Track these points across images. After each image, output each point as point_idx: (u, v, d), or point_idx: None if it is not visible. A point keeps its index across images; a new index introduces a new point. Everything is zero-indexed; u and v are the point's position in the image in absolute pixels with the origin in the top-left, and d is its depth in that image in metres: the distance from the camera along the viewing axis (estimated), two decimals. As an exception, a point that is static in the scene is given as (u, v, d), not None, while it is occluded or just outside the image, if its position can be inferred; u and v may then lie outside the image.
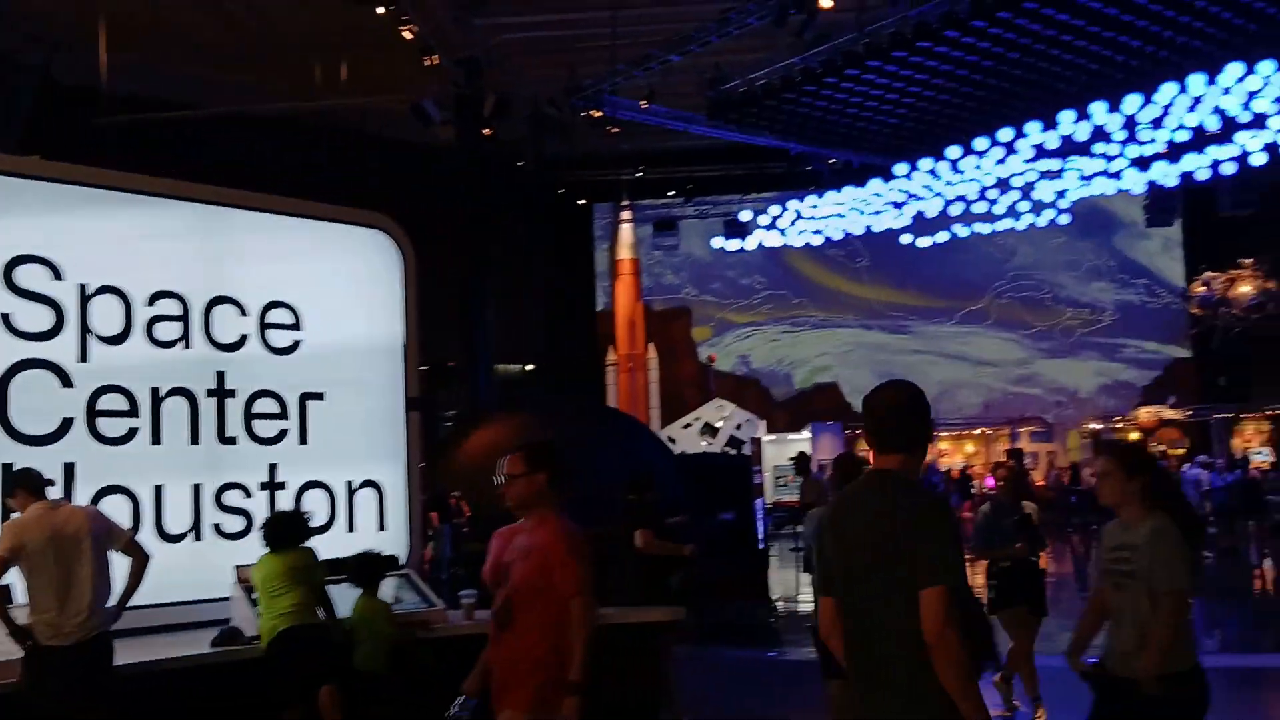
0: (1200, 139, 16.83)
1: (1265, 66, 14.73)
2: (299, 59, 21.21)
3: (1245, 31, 14.72)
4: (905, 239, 23.19)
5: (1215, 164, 17.29)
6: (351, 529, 7.12)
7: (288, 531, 5.93)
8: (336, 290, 7.12)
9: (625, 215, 27.98)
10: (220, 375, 6.62)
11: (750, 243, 24.73)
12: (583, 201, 27.81)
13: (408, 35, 17.91)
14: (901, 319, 29.59)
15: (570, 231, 29.00)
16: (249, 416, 6.72)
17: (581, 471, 10.71)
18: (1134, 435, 25.41)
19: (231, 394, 6.65)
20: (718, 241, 24.98)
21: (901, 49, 15.05)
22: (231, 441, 6.66)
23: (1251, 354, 25.55)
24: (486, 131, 22.71)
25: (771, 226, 23.35)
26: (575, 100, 16.60)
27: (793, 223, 23.21)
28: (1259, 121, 16.25)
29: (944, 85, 16.47)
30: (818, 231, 23.29)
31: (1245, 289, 21.94)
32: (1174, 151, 17.23)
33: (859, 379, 29.15)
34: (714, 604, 11.83)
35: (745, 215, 22.23)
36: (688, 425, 25.53)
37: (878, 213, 21.57)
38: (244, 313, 6.72)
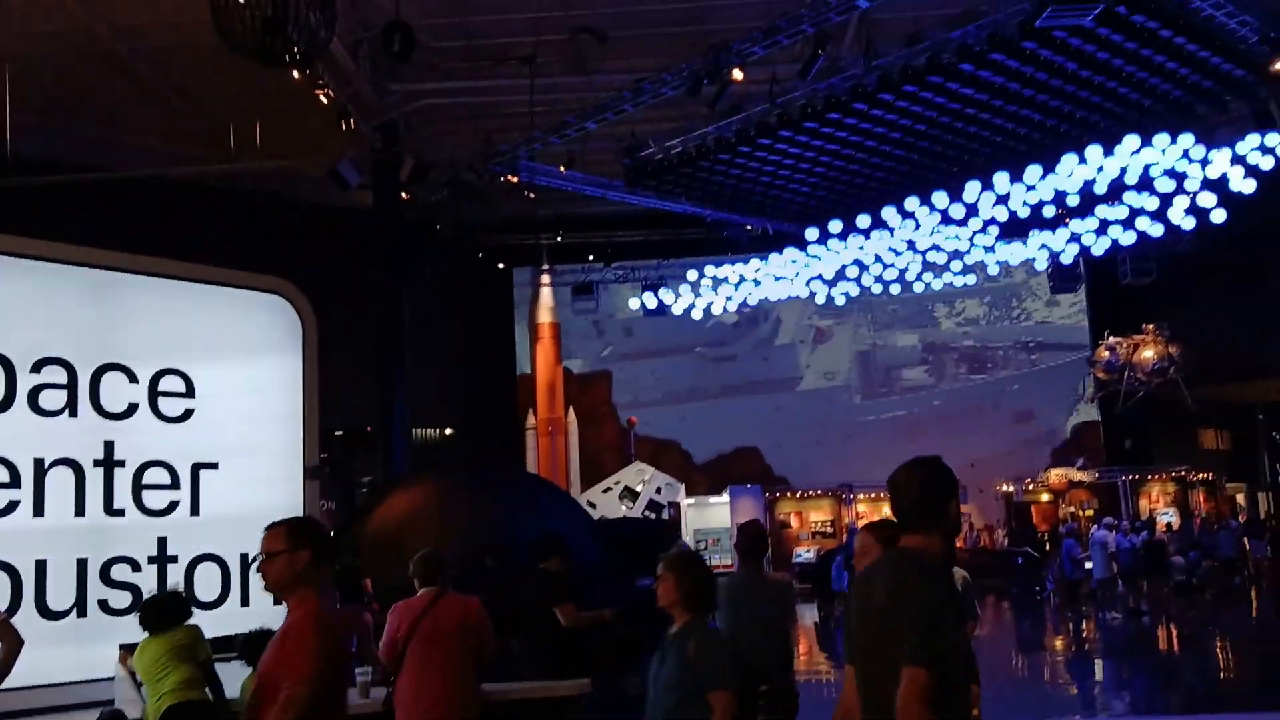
0: (1094, 210, 17.41)
1: (1160, 140, 15.30)
2: (213, 121, 21.02)
3: (1140, 106, 15.32)
4: (820, 298, 23.50)
5: (1114, 241, 17.94)
6: (245, 604, 6.91)
7: (167, 613, 5.72)
8: (232, 356, 6.98)
9: (545, 279, 28.02)
10: (109, 445, 6.43)
11: (675, 307, 24.92)
12: (502, 266, 27.78)
13: (324, 100, 17.83)
14: (820, 382, 29.88)
15: (490, 296, 28.91)
16: (138, 487, 6.52)
17: (495, 537, 10.55)
18: (1045, 497, 25.88)
19: (120, 464, 6.46)
20: (635, 303, 25.11)
21: (812, 120, 15.41)
22: (119, 514, 6.45)
23: (1155, 417, 26.28)
24: (404, 196, 22.70)
25: (693, 292, 23.52)
26: (492, 165, 16.64)
27: (714, 288, 23.42)
28: (1152, 193, 16.85)
29: (854, 155, 16.86)
30: (729, 298, 23.52)
31: (1148, 354, 22.59)
32: (1071, 223, 17.79)
33: (779, 442, 29.33)
34: (633, 673, 11.68)
35: (662, 287, 22.39)
36: (607, 489, 25.41)
37: (782, 279, 21.84)
38: (134, 380, 6.55)
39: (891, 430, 28.94)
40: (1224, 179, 16.61)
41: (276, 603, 7.04)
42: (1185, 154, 15.78)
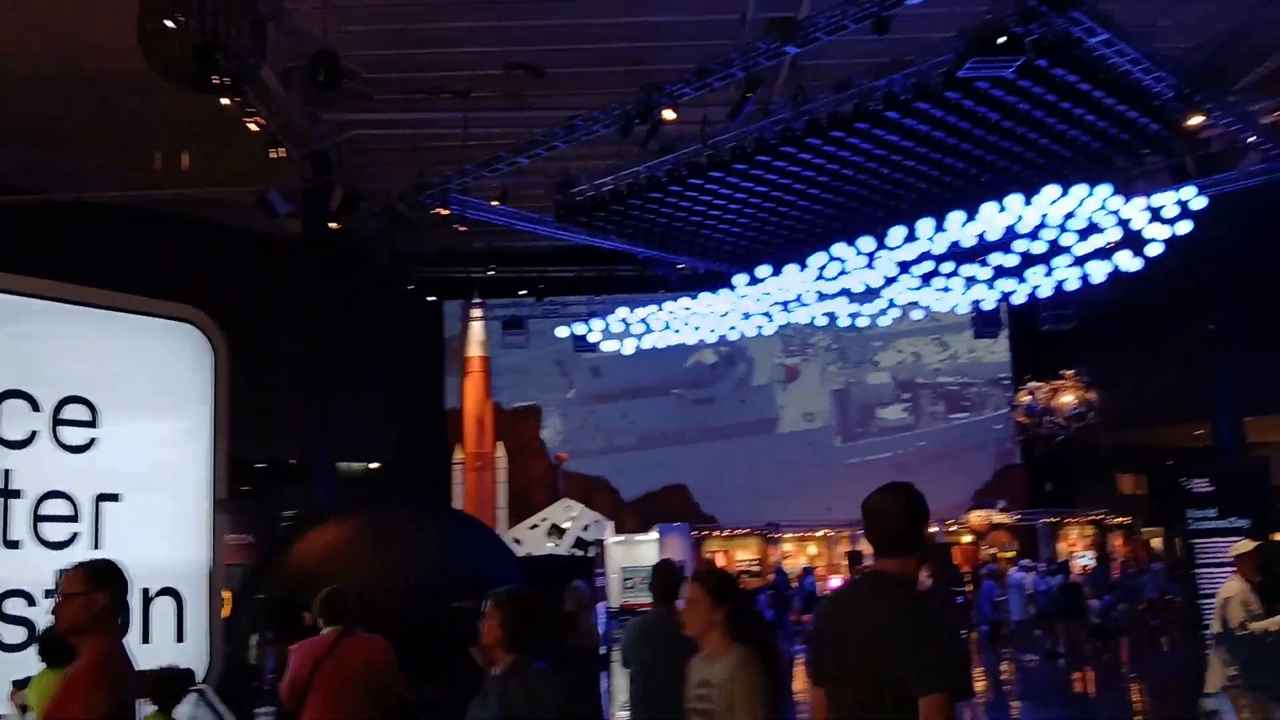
0: (1013, 258, 17.78)
1: (1079, 190, 15.68)
2: (142, 146, 20.71)
3: (1060, 157, 15.71)
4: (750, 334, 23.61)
5: (1033, 289, 18.35)
6: (146, 640, 6.71)
7: (66, 646, 5.53)
8: (139, 385, 6.82)
9: (476, 313, 27.89)
10: (6, 474, 6.23)
11: (605, 345, 24.93)
12: (433, 298, 27.62)
13: (254, 127, 17.64)
14: (748, 421, 30.03)
15: (420, 328, 28.71)
16: (36, 519, 6.32)
17: (414, 574, 10.39)
18: (967, 538, 26.20)
19: (17, 494, 6.26)
20: (564, 333, 24.98)
21: (741, 162, 15.57)
22: (15, 545, 6.24)
23: (1075, 461, 26.79)
24: (334, 225, 22.48)
25: (623, 331, 23.46)
26: (423, 198, 16.56)
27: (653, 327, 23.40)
28: (1068, 244, 17.27)
29: (782, 198, 17.05)
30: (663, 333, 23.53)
31: (1067, 399, 23.07)
32: (991, 270, 18.15)
33: (707, 480, 29.38)
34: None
35: (594, 322, 22.37)
36: (534, 526, 25.25)
37: (723, 314, 21.94)
38: (36, 408, 6.36)
39: (813, 472, 29.09)
40: (1140, 229, 17.07)
41: (179, 639, 6.87)
42: (1103, 204, 16.18)
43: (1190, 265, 19.03)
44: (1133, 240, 17.33)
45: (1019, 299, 19.15)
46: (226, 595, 18.72)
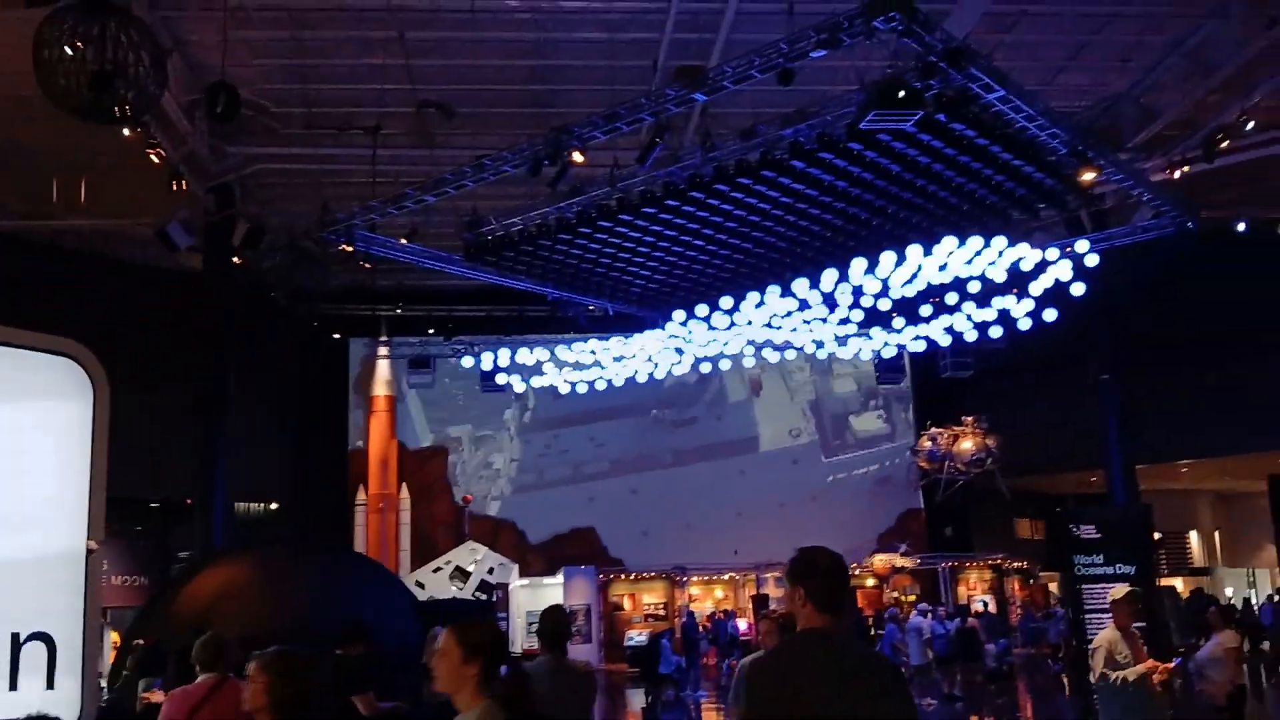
0: (912, 308, 18.14)
1: (975, 242, 16.07)
2: (39, 176, 20.14)
3: (959, 209, 16.09)
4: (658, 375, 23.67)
5: (929, 340, 18.78)
6: (14, 688, 6.38)
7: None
8: (11, 421, 6.53)
9: (382, 351, 27.53)
10: None
11: (512, 384, 24.77)
12: (338, 336, 27.21)
13: (155, 159, 17.29)
14: (657, 462, 30.01)
15: (324, 366, 28.22)
16: (-104, 561, 5.99)
17: (305, 618, 10.11)
18: (870, 581, 26.47)
19: (-124, 535, 5.93)
20: (469, 361, 24.71)
21: (651, 206, 15.65)
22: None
23: (974, 506, 27.32)
24: (237, 260, 22.08)
25: (532, 371, 23.33)
26: (326, 234, 16.34)
27: (557, 366, 23.30)
28: (967, 295, 17.68)
29: (691, 243, 17.17)
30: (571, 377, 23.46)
31: (967, 445, 23.54)
32: (892, 320, 18.49)
33: (615, 523, 29.27)
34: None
35: (502, 362, 22.20)
36: (438, 569, 24.87)
37: (621, 358, 21.96)
38: (-101, 444, 6.05)
39: (724, 513, 29.17)
40: (1035, 281, 17.55)
41: (49, 686, 6.55)
42: (1000, 256, 16.61)
43: (1084, 317, 19.61)
44: (1028, 292, 17.80)
45: (916, 349, 19.56)
46: (115, 638, 18.00)
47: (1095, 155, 15.23)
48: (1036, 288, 17.71)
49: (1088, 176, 15.51)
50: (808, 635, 3.41)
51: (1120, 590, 8.32)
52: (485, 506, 29.17)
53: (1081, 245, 17.89)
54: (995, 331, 18.80)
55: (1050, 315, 18.14)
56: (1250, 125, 18.56)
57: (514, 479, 29.90)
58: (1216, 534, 35.57)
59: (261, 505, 26.87)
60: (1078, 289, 17.67)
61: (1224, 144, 18.49)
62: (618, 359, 21.99)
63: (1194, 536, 34.45)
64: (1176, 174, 19.56)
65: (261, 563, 12.13)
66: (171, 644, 13.25)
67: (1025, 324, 18.24)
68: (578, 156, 14.30)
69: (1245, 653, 13.17)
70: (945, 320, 18.67)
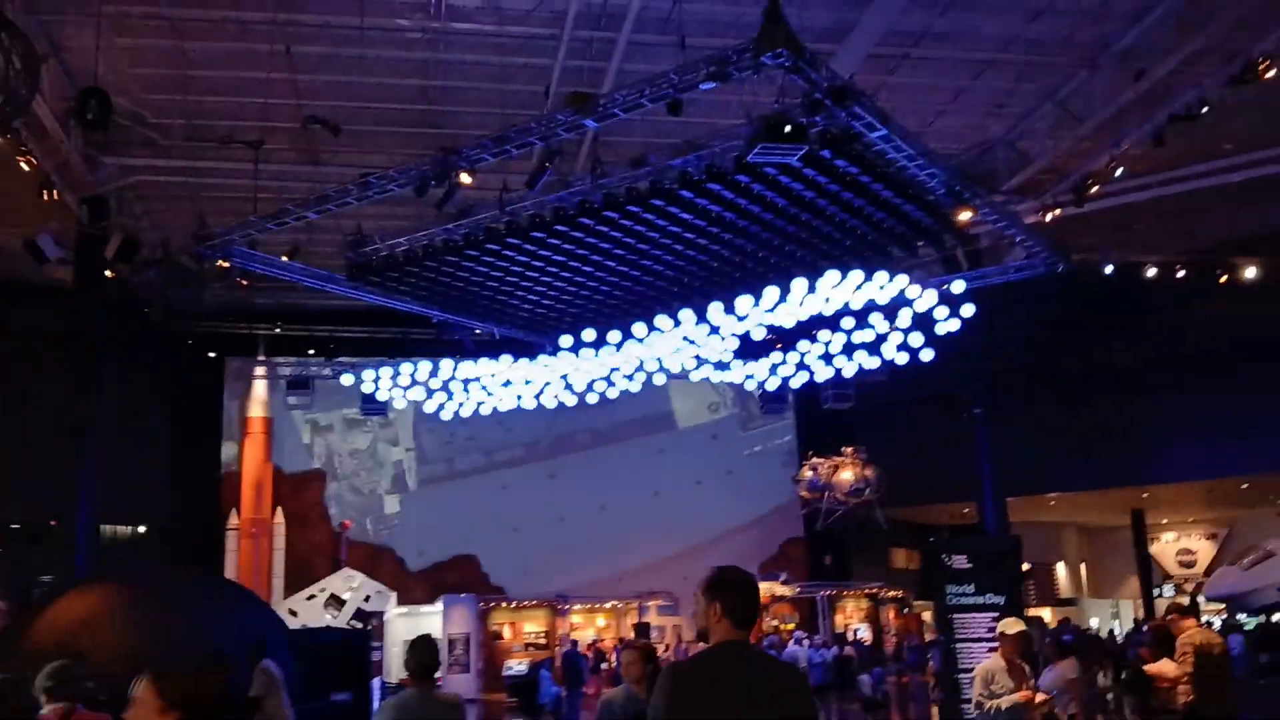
0: (794, 342, 18.47)
1: (855, 276, 16.42)
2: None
3: (841, 245, 16.44)
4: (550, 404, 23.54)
5: (811, 372, 19.15)
6: None
7: None
8: None
9: (259, 371, 26.78)
10: None
11: (394, 406, 24.37)
12: (214, 354, 26.40)
13: (25, 167, 16.58)
14: (540, 493, 29.78)
15: (199, 385, 27.35)
16: None
17: (164, 646, 9.72)
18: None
19: None
20: (349, 379, 24.13)
21: (540, 230, 15.63)
22: None
23: (853, 535, 27.78)
24: (110, 274, 21.31)
25: (426, 394, 22.91)
26: (203, 249, 15.88)
27: (444, 391, 22.95)
28: (850, 326, 18.06)
29: (579, 269, 17.18)
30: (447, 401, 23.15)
31: (846, 475, 23.95)
32: (772, 352, 18.77)
33: (498, 551, 28.94)
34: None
35: (384, 384, 21.79)
36: (312, 597, 24.22)
37: (508, 384, 21.80)
38: None
39: (604, 543, 29.07)
40: (914, 317, 18.02)
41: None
42: (880, 290, 17.00)
43: (959, 353, 20.17)
44: (905, 327, 18.26)
45: (798, 382, 19.89)
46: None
47: (971, 196, 15.73)
48: (912, 323, 18.19)
49: (964, 216, 16.00)
50: (725, 646, 3.68)
51: (1013, 625, 8.45)
52: (364, 532, 28.56)
53: (957, 284, 18.42)
54: (872, 363, 19.23)
55: (926, 353, 18.64)
56: (1119, 171, 19.41)
57: (394, 504, 29.35)
58: (1083, 566, 36.86)
59: (130, 528, 25.85)
60: (952, 324, 18.19)
61: (1094, 189, 19.30)
62: (506, 384, 21.82)
63: (1061, 568, 35.63)
64: (1048, 217, 20.35)
65: (122, 589, 11.62)
66: (30, 673, 12.61)
67: (902, 359, 18.71)
68: (466, 178, 14.18)
69: (1088, 683, 13.59)
70: (822, 351, 19.02)
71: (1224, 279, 23.10)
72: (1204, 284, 23.21)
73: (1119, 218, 23.66)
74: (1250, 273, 22.67)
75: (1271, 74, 15.55)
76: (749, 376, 20.38)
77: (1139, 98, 18.28)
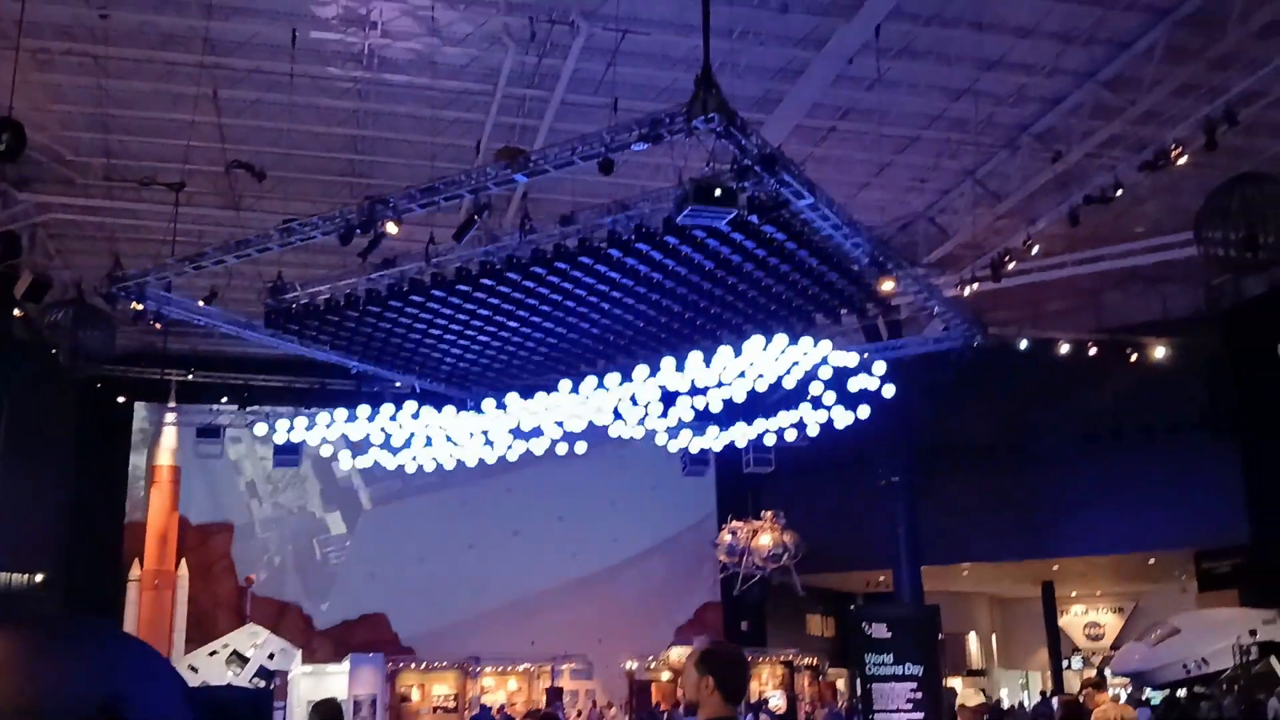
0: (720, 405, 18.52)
1: (779, 341, 16.55)
2: None
3: (766, 309, 16.57)
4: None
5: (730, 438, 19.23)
6: None
7: None
8: None
9: (169, 418, 26.03)
10: None
11: (307, 457, 23.87)
12: (123, 399, 25.64)
13: (-67, 201, 16.12)
14: (454, 550, 29.26)
15: (106, 431, 26.50)
16: None
17: (46, 700, 9.25)
18: (665, 675, 26.38)
19: None
20: (262, 428, 23.60)
21: (465, 284, 15.50)
22: None
23: (770, 601, 27.72)
24: (18, 313, 20.76)
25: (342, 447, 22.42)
26: (116, 290, 15.47)
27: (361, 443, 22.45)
28: (771, 391, 18.16)
29: (504, 324, 17.07)
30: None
31: (765, 540, 23.94)
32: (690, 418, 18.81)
33: (408, 609, 28.32)
34: None
35: (297, 435, 21.31)
36: (214, 653, 23.39)
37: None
38: None
39: (519, 605, 28.62)
40: (834, 384, 18.19)
41: None
42: (805, 355, 17.14)
43: (876, 422, 20.38)
44: (824, 395, 18.42)
45: (717, 446, 19.95)
46: None
47: (894, 267, 15.99)
48: (831, 389, 18.36)
49: (887, 286, 16.25)
50: None
51: (973, 699, 8.44)
52: (270, 588, 27.75)
53: (877, 365, 18.66)
54: (790, 434, 19.38)
55: (844, 420, 18.82)
56: (1035, 249, 19.95)
57: (301, 559, 28.60)
58: (994, 636, 37.19)
59: (26, 576, 24.77)
60: (883, 389, 18.37)
61: (1010, 265, 19.79)
62: (428, 443, 21.46)
63: (973, 638, 35.91)
64: (966, 291, 20.78)
65: (7, 638, 11.06)
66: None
67: (816, 428, 18.89)
68: (392, 227, 14.03)
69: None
70: (742, 417, 19.12)
71: (1134, 357, 23.79)
72: (1115, 361, 23.88)
73: (1034, 294, 24.32)
74: (1160, 352, 23.39)
75: (1183, 160, 16.16)
76: (672, 436, 20.32)
77: (1055, 178, 18.88)
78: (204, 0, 14.56)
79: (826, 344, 17.34)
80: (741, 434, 19.36)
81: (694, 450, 21.29)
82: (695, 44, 13.83)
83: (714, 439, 19.95)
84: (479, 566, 28.90)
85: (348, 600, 28.25)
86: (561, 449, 21.12)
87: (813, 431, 18.86)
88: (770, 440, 19.24)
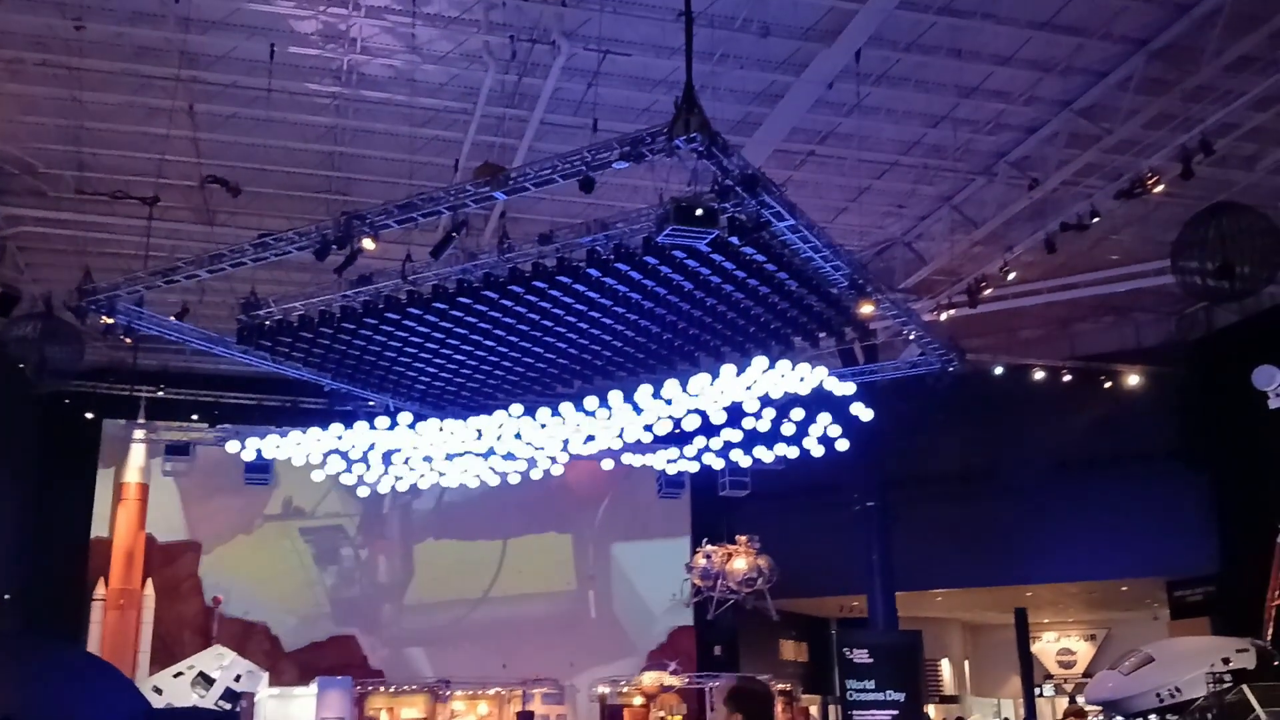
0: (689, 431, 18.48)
1: (759, 363, 16.52)
2: None
3: (745, 331, 16.54)
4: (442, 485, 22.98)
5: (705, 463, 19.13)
6: None
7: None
8: None
9: (138, 434, 25.63)
10: None
11: (278, 476, 23.59)
12: (91, 415, 25.26)
13: (-97, 213, 15.86)
14: (424, 570, 28.96)
15: (72, 447, 26.07)
16: None
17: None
18: (638, 700, 26.13)
19: None
20: (234, 446, 23.24)
21: (442, 302, 15.39)
22: None
23: (743, 625, 27.56)
24: (-15, 326, 20.40)
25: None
26: (86, 303, 15.25)
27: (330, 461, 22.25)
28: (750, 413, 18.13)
29: (481, 343, 16.96)
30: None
31: (739, 564, 23.78)
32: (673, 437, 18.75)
33: (377, 631, 27.99)
34: None
35: (268, 452, 21.05)
36: (179, 674, 22.95)
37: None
38: None
39: (490, 628, 28.33)
40: (811, 407, 18.19)
41: None
42: (782, 377, 17.12)
43: (852, 446, 20.36)
44: (805, 417, 18.41)
45: (693, 469, 19.86)
46: None
47: (873, 291, 16.00)
48: (811, 415, 18.37)
49: (865, 310, 16.28)
50: None
51: None
52: (237, 607, 27.32)
53: (850, 384, 18.68)
54: (767, 457, 19.34)
55: (817, 447, 18.81)
56: (1011, 276, 20.05)
57: (269, 579, 28.16)
58: (966, 663, 37.15)
59: (-13, 595, 24.29)
60: (864, 413, 18.38)
61: (986, 291, 19.88)
62: (407, 462, 21.29)
63: (945, 665, 35.86)
64: (943, 316, 20.87)
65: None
66: None
67: (795, 451, 18.86)
68: (368, 243, 13.91)
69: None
70: (718, 442, 19.05)
71: (1107, 386, 23.94)
72: (1087, 390, 24.01)
73: (1008, 321, 24.45)
74: (1132, 381, 23.54)
75: (1159, 189, 16.30)
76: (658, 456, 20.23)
77: (1032, 205, 18.99)
78: (181, 13, 14.39)
79: (805, 366, 17.32)
80: (713, 457, 19.22)
81: (672, 471, 21.19)
82: (676, 66, 13.88)
83: (687, 461, 19.84)
84: (449, 588, 28.64)
85: (316, 622, 27.86)
86: (537, 473, 21.03)
87: (795, 451, 18.78)
88: (746, 462, 19.16)
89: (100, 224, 19.54)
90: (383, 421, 19.65)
